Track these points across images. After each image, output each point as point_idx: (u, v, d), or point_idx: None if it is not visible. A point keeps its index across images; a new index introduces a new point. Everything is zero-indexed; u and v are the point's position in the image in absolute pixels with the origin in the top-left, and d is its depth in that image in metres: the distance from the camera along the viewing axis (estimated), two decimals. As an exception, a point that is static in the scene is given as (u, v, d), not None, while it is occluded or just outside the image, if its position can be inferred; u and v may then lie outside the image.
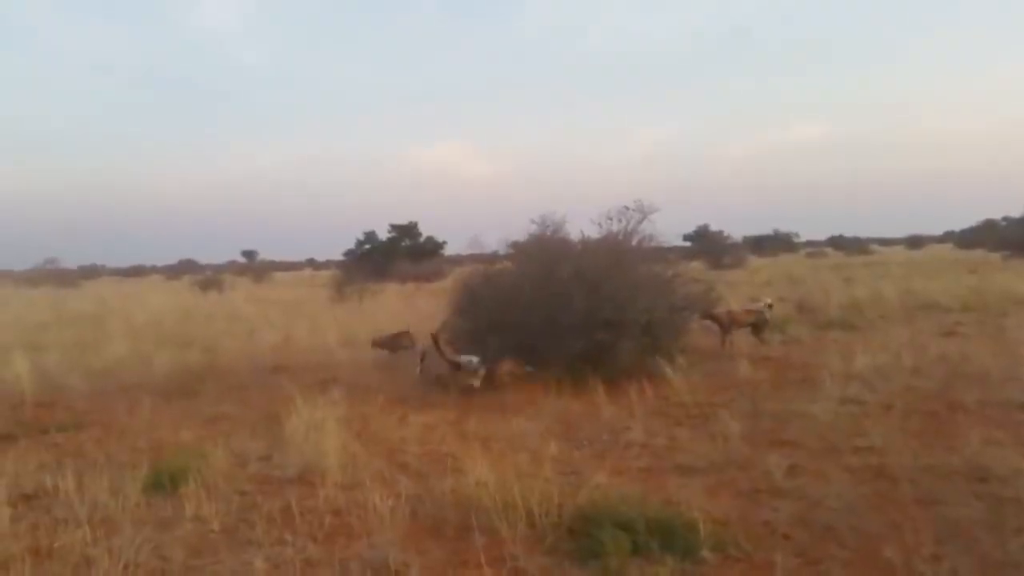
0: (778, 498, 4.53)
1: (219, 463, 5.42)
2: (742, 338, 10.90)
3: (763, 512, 4.30)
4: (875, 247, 64.17)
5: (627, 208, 9.70)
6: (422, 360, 9.27)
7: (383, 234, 42.46)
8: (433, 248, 42.16)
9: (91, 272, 65.92)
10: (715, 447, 5.69)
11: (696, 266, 20.78)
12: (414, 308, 17.35)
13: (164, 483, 5.04)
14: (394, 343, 11.07)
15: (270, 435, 6.41)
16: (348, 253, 42.49)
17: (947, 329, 11.72)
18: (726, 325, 10.66)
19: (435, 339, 8.47)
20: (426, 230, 42.98)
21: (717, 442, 5.81)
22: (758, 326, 10.97)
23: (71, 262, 58.17)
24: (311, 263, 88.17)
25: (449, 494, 4.67)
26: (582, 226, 10.07)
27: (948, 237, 73.21)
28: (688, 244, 43.59)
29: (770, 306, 11.34)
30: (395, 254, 39.73)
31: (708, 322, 10.86)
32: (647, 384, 7.58)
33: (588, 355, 8.18)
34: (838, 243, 66.49)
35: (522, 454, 5.59)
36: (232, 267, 59.39)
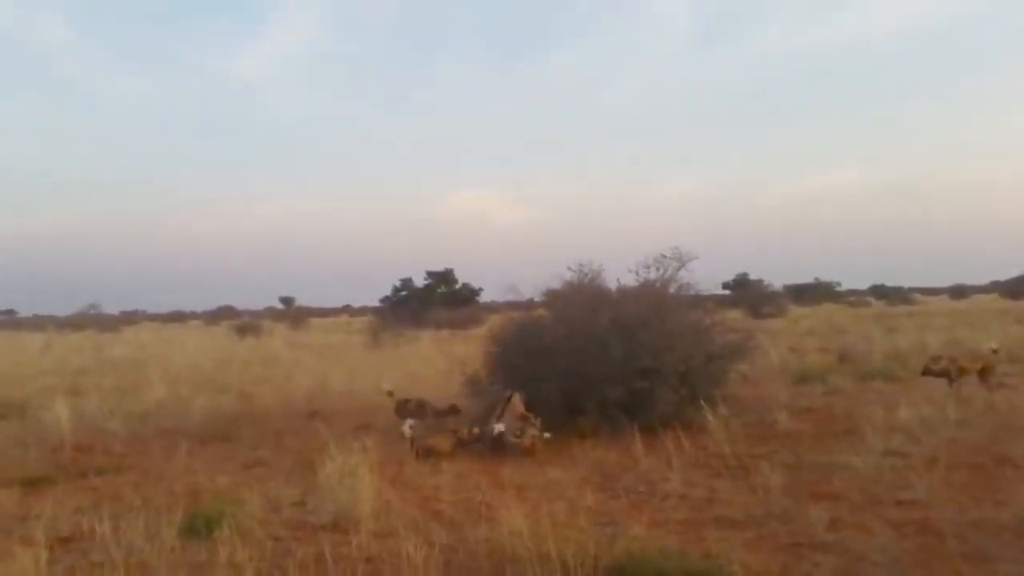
0: (820, 552, 4.40)
1: (254, 508, 5.46)
2: (783, 389, 10.71)
3: (804, 567, 4.18)
4: (918, 296, 62.91)
5: (665, 256, 9.67)
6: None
7: (419, 281, 42.90)
8: (469, 295, 42.44)
9: (132, 317, 67.27)
10: (755, 499, 5.57)
11: (735, 315, 20.55)
12: (449, 355, 17.36)
13: (199, 528, 5.06)
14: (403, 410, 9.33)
15: (305, 481, 6.44)
16: (384, 299, 42.84)
17: (994, 380, 11.37)
18: (953, 374, 10.31)
19: (511, 399, 7.98)
20: (462, 277, 43.47)
21: (757, 494, 5.69)
22: (986, 371, 10.42)
23: (112, 307, 59.54)
24: (348, 309, 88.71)
25: (483, 544, 4.62)
26: (619, 274, 10.03)
27: (993, 287, 71.38)
28: (727, 292, 43.08)
29: (995, 351, 10.85)
30: (431, 301, 40.05)
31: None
32: (684, 434, 7.44)
33: (625, 404, 8.09)
34: (880, 292, 65.39)
35: (557, 503, 5.52)
36: (270, 313, 60.11)
